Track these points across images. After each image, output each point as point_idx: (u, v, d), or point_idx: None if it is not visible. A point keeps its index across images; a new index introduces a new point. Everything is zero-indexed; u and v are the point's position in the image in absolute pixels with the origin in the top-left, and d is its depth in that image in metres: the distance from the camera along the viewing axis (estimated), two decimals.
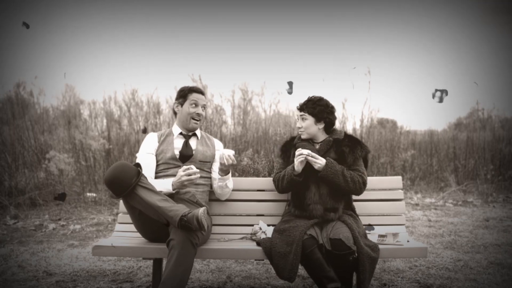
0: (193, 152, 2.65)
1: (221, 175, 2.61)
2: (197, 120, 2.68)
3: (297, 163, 2.45)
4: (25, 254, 3.56)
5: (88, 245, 3.89)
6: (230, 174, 2.65)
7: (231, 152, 2.49)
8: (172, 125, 2.80)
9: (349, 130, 7.44)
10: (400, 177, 2.84)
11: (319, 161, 2.44)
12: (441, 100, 2.89)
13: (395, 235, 2.44)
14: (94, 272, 3.09)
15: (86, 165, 6.23)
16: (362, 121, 7.30)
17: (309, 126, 2.60)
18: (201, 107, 2.68)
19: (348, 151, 2.53)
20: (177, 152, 2.62)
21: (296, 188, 2.56)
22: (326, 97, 2.65)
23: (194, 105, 2.66)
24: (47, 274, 3.03)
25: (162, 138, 2.69)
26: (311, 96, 2.64)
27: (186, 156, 2.62)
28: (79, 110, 9.41)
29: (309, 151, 2.46)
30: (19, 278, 2.93)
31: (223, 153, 2.49)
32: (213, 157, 2.73)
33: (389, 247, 2.37)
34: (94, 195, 5.86)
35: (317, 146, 2.62)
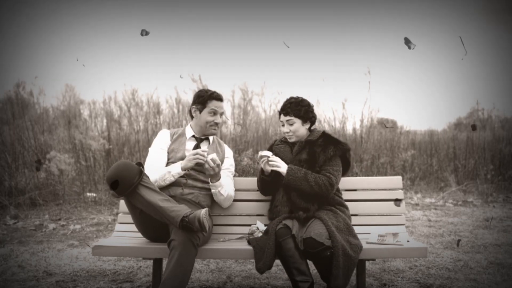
0: None
1: (212, 182, 2.55)
2: (215, 128, 2.67)
3: (263, 166, 2.51)
4: (25, 254, 3.56)
5: (88, 245, 3.90)
6: (221, 181, 2.57)
7: (214, 155, 2.45)
8: (185, 125, 2.80)
9: (349, 130, 7.45)
10: (400, 177, 2.84)
11: (282, 169, 2.47)
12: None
13: (395, 235, 2.44)
14: (94, 272, 3.09)
15: (86, 165, 6.23)
16: (362, 121, 7.31)
17: (298, 129, 2.57)
18: (220, 115, 2.67)
19: (320, 151, 2.52)
20: (187, 154, 2.61)
21: (271, 188, 2.60)
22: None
23: (213, 113, 2.63)
24: (47, 274, 3.03)
25: (174, 137, 2.70)
26: (289, 98, 2.61)
27: None
28: (79, 110, 9.41)
29: (271, 153, 2.51)
30: (19, 278, 2.93)
31: (208, 157, 2.44)
32: (221, 163, 2.72)
33: (389, 247, 2.37)
34: (94, 195, 5.86)
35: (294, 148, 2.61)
